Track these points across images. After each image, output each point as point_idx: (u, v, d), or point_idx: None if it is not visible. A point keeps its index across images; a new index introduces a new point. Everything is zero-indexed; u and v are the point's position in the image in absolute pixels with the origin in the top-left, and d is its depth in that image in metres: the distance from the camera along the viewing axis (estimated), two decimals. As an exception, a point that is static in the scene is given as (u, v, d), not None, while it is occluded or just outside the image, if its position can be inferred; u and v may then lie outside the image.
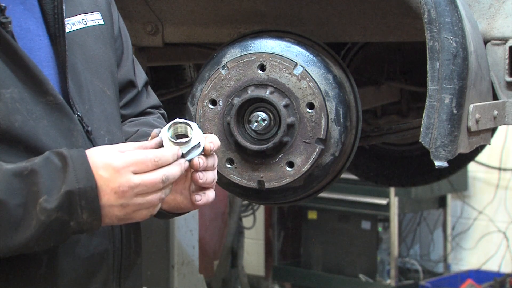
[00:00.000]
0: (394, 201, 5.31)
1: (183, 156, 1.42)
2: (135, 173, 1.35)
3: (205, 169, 1.46)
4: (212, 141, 1.46)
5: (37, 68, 1.41)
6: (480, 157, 4.77)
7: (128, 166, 1.34)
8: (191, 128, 1.43)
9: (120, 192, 1.34)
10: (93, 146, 1.47)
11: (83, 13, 1.55)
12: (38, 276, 1.41)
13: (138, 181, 1.34)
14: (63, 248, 1.42)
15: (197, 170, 1.44)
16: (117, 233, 1.51)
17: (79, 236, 1.43)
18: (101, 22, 1.59)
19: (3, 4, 1.39)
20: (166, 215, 1.56)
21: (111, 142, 1.52)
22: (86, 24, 1.55)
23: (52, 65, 1.48)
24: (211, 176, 1.48)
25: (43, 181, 1.31)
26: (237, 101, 1.93)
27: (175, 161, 1.39)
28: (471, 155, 2.92)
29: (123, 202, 1.34)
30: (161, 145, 1.42)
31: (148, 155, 1.36)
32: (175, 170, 1.38)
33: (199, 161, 1.44)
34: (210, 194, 1.49)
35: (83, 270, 1.46)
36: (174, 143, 1.41)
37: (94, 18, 1.58)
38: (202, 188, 1.49)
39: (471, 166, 5.41)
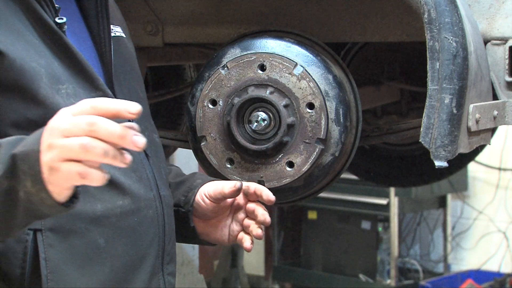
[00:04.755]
0: (394, 201, 5.31)
1: None
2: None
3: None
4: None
5: (89, 66, 1.48)
6: (480, 157, 4.77)
7: (69, 108, 1.24)
8: None
9: (49, 129, 1.22)
10: None
11: (111, 24, 1.64)
12: (97, 259, 1.46)
13: (65, 116, 1.22)
14: (116, 233, 1.47)
15: (270, 203, 1.66)
16: (161, 220, 1.57)
17: (130, 221, 1.49)
18: (123, 35, 1.69)
19: (57, 5, 1.48)
20: (202, 242, 1.75)
21: (148, 137, 1.55)
22: (115, 34, 1.64)
23: (97, 64, 1.55)
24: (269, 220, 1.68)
25: (2, 153, 1.26)
26: (237, 101, 1.93)
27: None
28: (471, 155, 2.92)
29: (50, 141, 1.21)
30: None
31: (89, 100, 1.24)
32: (108, 121, 1.20)
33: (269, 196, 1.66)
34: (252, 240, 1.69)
35: (135, 254, 1.51)
36: None
37: (117, 30, 1.67)
38: (246, 231, 1.69)
39: (471, 166, 5.41)
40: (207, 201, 1.69)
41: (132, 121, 1.52)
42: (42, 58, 1.44)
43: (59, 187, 1.23)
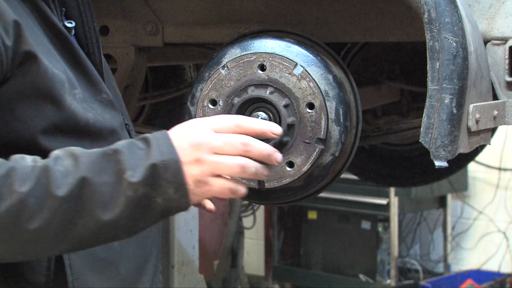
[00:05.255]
0: (394, 201, 5.31)
1: None
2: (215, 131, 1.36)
3: None
4: None
5: (93, 69, 1.49)
6: (480, 157, 4.77)
7: (207, 123, 1.36)
8: None
9: (195, 144, 1.32)
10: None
11: None
12: (113, 263, 1.48)
13: (215, 133, 1.34)
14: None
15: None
16: None
17: None
18: None
19: (64, 8, 1.49)
20: None
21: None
22: None
23: None
24: None
25: (127, 159, 1.30)
26: (237, 101, 1.93)
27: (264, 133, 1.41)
28: (471, 155, 2.92)
29: (199, 156, 1.32)
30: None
31: (231, 118, 1.38)
32: (259, 142, 1.39)
33: None
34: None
35: (142, 255, 1.53)
36: None
37: None
38: None
39: (471, 166, 5.42)
40: None
41: (123, 117, 1.54)
42: (58, 63, 1.43)
43: (202, 197, 1.35)
